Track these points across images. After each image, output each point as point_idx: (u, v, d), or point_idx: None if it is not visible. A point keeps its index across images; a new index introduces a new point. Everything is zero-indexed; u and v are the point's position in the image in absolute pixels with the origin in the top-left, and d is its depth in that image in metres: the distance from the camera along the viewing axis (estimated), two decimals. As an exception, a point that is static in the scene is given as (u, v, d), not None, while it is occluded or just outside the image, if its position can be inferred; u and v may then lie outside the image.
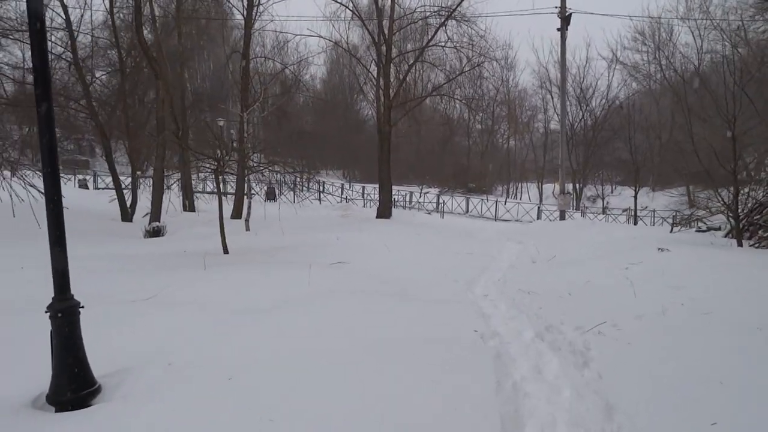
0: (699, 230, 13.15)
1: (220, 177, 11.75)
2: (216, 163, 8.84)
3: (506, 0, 25.82)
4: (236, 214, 17.23)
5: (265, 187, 22.63)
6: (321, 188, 31.40)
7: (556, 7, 20.00)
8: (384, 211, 18.20)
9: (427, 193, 35.66)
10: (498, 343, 4.99)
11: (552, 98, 46.78)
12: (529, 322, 5.81)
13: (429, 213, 22.84)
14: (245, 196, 15.35)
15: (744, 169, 9.75)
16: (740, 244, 9.55)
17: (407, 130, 53.99)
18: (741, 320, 5.03)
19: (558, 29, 20.24)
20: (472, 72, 21.61)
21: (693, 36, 43.02)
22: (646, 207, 39.36)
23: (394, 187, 35.77)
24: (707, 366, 4.03)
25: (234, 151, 9.62)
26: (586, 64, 50.06)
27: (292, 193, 23.96)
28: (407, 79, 19.49)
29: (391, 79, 18.19)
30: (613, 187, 46.01)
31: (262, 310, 5.33)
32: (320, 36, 18.05)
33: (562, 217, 20.44)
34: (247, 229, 13.89)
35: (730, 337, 4.62)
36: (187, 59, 22.13)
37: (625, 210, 38.01)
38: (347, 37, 18.64)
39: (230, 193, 21.22)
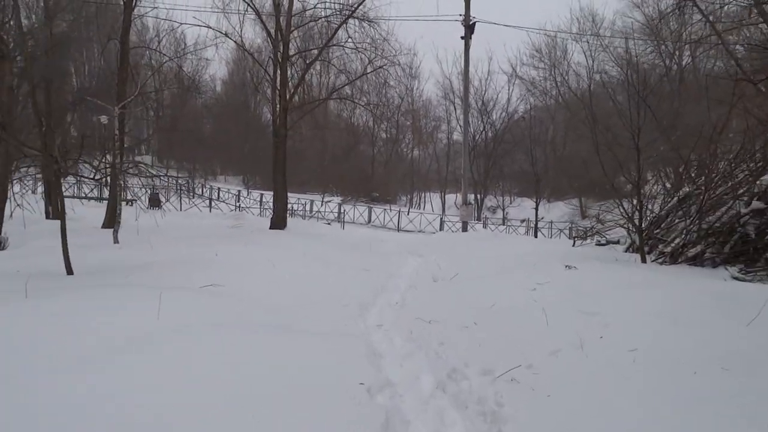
0: (599, 243, 12.94)
1: (97, 181, 10.01)
2: (55, 164, 7.15)
3: (411, 9, 25.32)
4: (108, 223, 15.15)
5: (149, 193, 20.53)
6: (214, 195, 29.31)
7: (460, 15, 19.68)
8: (278, 221, 16.81)
9: (329, 201, 34.52)
10: (389, 399, 3.91)
11: (455, 109, 47.43)
12: (429, 363, 4.80)
13: (329, 223, 21.67)
14: (120, 203, 13.39)
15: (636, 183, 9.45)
16: (644, 260, 9.20)
17: (311, 136, 52.68)
18: (669, 359, 4.28)
19: (462, 37, 19.91)
20: (376, 79, 20.87)
21: (585, 56, 45.27)
22: (543, 218, 40.58)
23: (294, 195, 34.28)
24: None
25: (82, 149, 7.93)
26: (487, 78, 51.32)
27: (179, 200, 21.94)
28: (308, 80, 18.21)
29: (289, 80, 16.90)
30: (512, 198, 47.22)
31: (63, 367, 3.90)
32: (208, 26, 16.30)
33: (465, 228, 20.03)
34: (116, 241, 12.03)
35: (664, 385, 3.83)
36: (58, 45, 19.52)
37: (523, 221, 38.97)
38: (241, 31, 17.05)
39: (105, 199, 18.95)
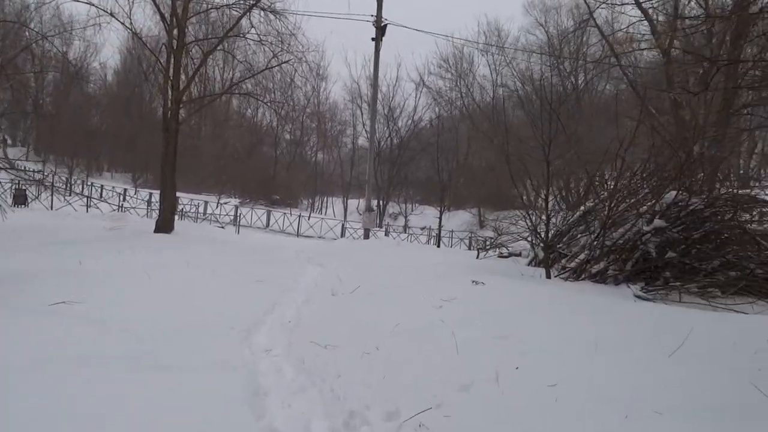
0: (501, 255, 12.80)
1: None
2: None
3: (321, 4, 24.43)
4: (-44, 220, 12.98)
5: (13, 189, 18.18)
6: (95, 193, 26.71)
7: (372, 15, 19.18)
8: (164, 223, 15.28)
9: (227, 203, 32.77)
10: (268, 462, 3.09)
11: (362, 114, 47.04)
12: (323, 403, 4.02)
13: (222, 227, 20.21)
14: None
15: (545, 196, 9.30)
16: (549, 276, 8.98)
17: (211, 134, 50.18)
18: (594, 397, 3.79)
19: (373, 39, 19.41)
20: (282, 77, 19.73)
21: (490, 69, 46.65)
22: (443, 226, 41.16)
23: (188, 195, 32.17)
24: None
25: None
26: (395, 84, 51.15)
27: (51, 197, 19.61)
28: (209, 74, 16.71)
29: (185, 70, 15.47)
30: (414, 205, 47.47)
31: None
32: (90, 3, 14.32)
33: (367, 236, 19.46)
34: (-42, 242, 10.19)
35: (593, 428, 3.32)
36: None
37: (423, 228, 39.21)
38: (130, 12, 15.37)
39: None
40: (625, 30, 17.06)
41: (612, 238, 8.80)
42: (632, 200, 9.15)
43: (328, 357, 5.12)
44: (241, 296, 7.69)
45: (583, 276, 8.85)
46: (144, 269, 8.29)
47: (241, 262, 11.34)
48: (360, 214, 49.29)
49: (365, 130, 46.84)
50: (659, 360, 4.25)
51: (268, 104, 19.21)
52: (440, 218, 16.53)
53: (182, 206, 27.86)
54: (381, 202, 43.96)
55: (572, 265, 9.39)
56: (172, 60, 15.14)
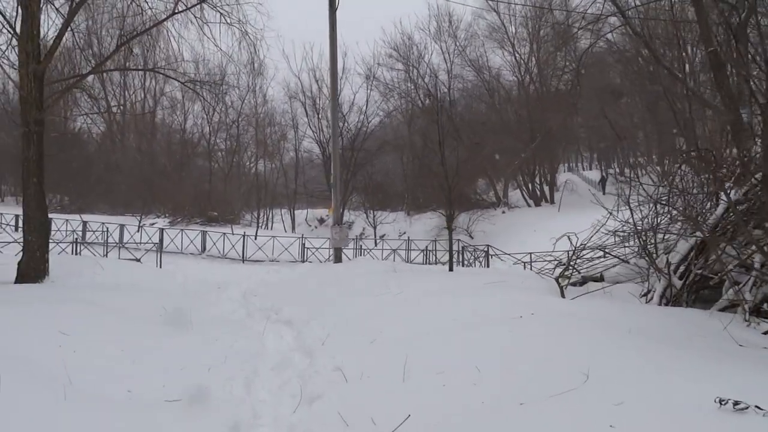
0: (573, 283, 8.09)
1: None
2: None
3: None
4: None
5: None
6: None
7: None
8: (30, 266, 9.70)
9: (153, 224, 26.94)
10: None
11: (306, 112, 41.60)
12: None
13: (138, 260, 14.75)
14: None
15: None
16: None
17: (134, 149, 43.91)
18: None
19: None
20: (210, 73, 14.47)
21: (444, 58, 42.39)
22: (405, 233, 36.44)
23: (100, 218, 26.12)
24: None
25: None
26: (343, 76, 45.66)
27: None
28: (70, 31, 10.84)
29: (44, 32, 10.10)
30: (372, 212, 42.40)
31: None
32: None
33: (338, 258, 14.41)
34: None
35: None
36: None
37: (382, 237, 34.44)
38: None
39: None
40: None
41: None
42: None
43: None
44: None
45: None
46: None
47: (141, 337, 6.13)
48: (310, 225, 43.96)
49: (311, 129, 41.66)
50: None
51: (185, 84, 13.95)
52: (449, 226, 11.39)
53: (92, 233, 22.01)
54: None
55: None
56: (25, 16, 9.66)
